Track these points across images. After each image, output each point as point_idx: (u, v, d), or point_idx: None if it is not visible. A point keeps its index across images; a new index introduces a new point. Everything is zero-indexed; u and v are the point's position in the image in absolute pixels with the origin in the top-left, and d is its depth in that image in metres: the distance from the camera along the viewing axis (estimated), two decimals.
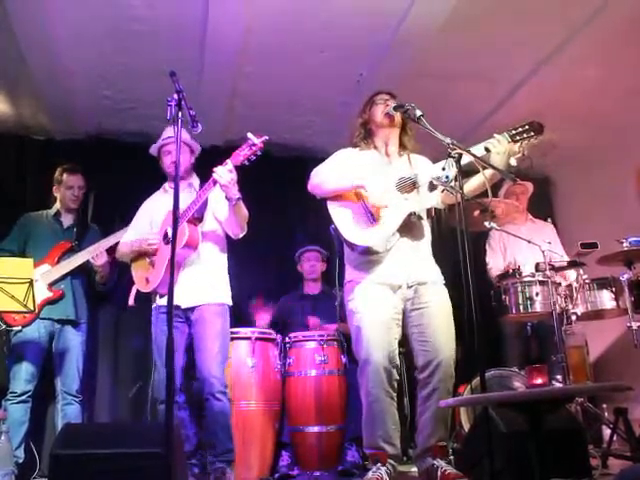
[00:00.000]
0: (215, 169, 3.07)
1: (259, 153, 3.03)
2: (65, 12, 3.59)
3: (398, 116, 3.05)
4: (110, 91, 4.45)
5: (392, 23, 3.80)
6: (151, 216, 3.54)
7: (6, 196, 4.65)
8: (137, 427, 2.86)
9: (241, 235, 3.39)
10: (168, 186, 3.55)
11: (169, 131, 3.42)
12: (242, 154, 3.04)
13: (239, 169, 3.24)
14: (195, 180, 3.54)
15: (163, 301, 3.29)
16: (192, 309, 3.31)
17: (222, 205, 3.30)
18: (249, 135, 3.02)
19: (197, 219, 3.29)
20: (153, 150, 3.54)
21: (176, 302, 3.23)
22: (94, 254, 3.83)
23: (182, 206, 3.24)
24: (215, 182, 3.08)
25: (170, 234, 3.19)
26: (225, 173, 3.04)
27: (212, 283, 3.36)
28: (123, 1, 3.55)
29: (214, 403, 3.17)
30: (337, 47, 4.01)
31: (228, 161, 3.07)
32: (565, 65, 4.22)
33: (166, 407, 2.11)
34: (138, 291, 3.46)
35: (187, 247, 3.21)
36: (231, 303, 3.43)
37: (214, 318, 3.29)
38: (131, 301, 3.48)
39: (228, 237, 3.49)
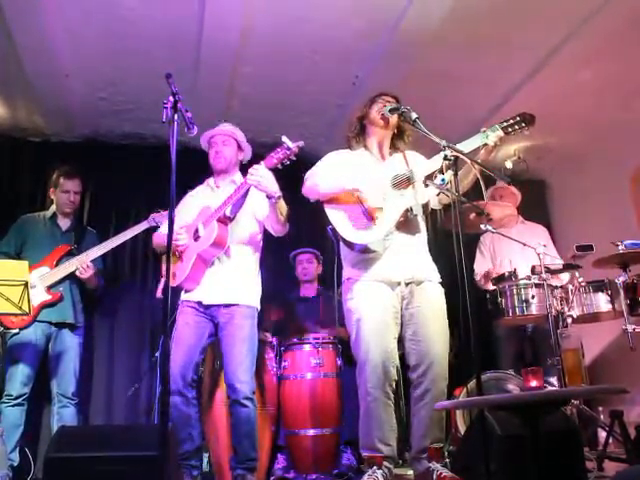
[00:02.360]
0: (250, 170, 3.04)
1: (293, 158, 3.01)
2: (62, 14, 3.59)
3: (394, 120, 3.06)
4: (106, 93, 4.45)
5: (389, 25, 3.81)
6: (190, 209, 3.46)
7: (1, 197, 4.64)
8: (132, 430, 2.85)
9: (283, 232, 3.32)
10: (213, 182, 3.48)
11: (224, 125, 3.45)
12: (276, 157, 3.01)
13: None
14: (238, 176, 3.45)
15: (187, 296, 3.27)
16: (218, 309, 3.23)
17: (262, 204, 3.24)
18: (284, 139, 2.98)
19: (228, 218, 3.23)
20: (203, 141, 3.49)
21: (199, 298, 3.24)
22: (80, 268, 3.82)
23: (218, 202, 3.23)
24: (245, 184, 3.06)
25: (201, 230, 3.22)
26: (260, 173, 3.00)
27: (240, 284, 3.28)
28: (120, 3, 3.55)
29: (239, 409, 3.11)
30: (334, 49, 4.02)
31: (262, 163, 3.04)
32: (562, 68, 4.23)
33: (161, 411, 2.10)
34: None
35: (214, 246, 3.16)
36: (259, 307, 3.36)
37: (242, 321, 3.21)
38: (159, 293, 3.41)
39: (264, 239, 3.44)
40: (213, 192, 3.44)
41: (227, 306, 3.23)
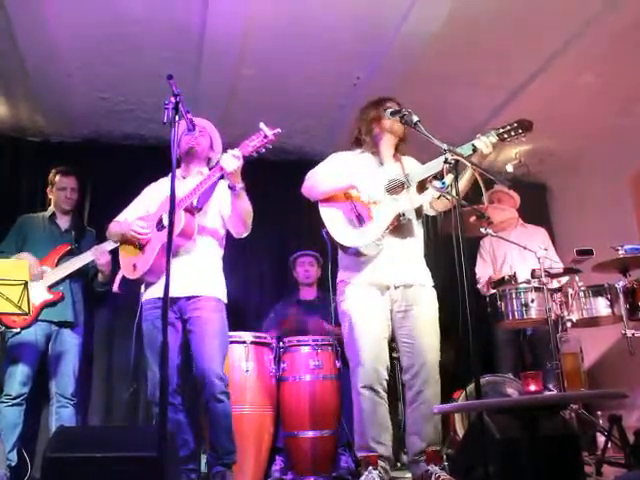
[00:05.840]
0: (221, 154, 2.93)
1: (269, 146, 2.91)
2: (64, 14, 3.59)
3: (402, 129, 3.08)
4: (108, 93, 4.46)
5: (390, 27, 3.82)
6: (151, 200, 3.35)
7: (1, 197, 4.64)
8: (131, 430, 2.85)
9: (245, 234, 3.22)
10: (179, 172, 3.33)
11: (201, 119, 3.33)
12: (252, 145, 2.90)
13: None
14: (206, 170, 3.33)
15: (151, 294, 3.14)
16: (185, 303, 3.11)
17: (227, 202, 3.14)
18: (261, 125, 2.87)
19: (196, 208, 3.12)
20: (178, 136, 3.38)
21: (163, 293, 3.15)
22: (97, 254, 3.82)
23: (184, 192, 3.10)
24: (221, 168, 2.93)
25: (165, 220, 3.04)
26: (232, 160, 2.88)
27: (207, 276, 3.19)
28: (122, 4, 3.56)
29: (215, 405, 3.01)
30: (335, 51, 4.02)
31: (236, 149, 2.93)
32: (562, 72, 4.24)
33: (160, 411, 2.10)
34: (124, 277, 3.26)
35: (182, 236, 3.02)
36: (226, 301, 3.25)
37: (212, 314, 3.11)
38: (115, 287, 3.28)
39: (227, 237, 3.34)
40: (179, 182, 3.25)
41: (194, 298, 3.11)
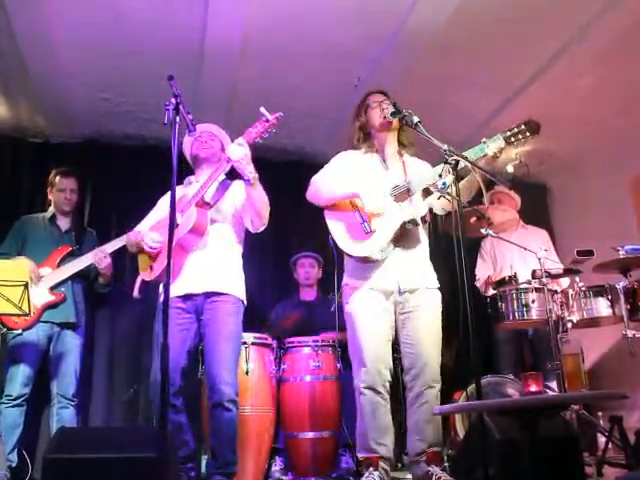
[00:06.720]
0: (227, 145, 2.95)
1: (273, 130, 2.94)
2: (65, 15, 3.60)
3: (396, 120, 3.06)
4: (109, 94, 4.46)
5: (391, 28, 3.82)
6: (167, 205, 3.22)
7: (1, 198, 4.64)
8: (131, 431, 2.84)
9: (261, 228, 3.17)
10: (193, 178, 3.35)
11: (210, 125, 3.38)
12: (255, 131, 2.93)
13: None
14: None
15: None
16: (202, 301, 3.08)
17: (241, 197, 3.13)
18: (262, 110, 2.90)
19: (207, 204, 3.11)
20: (187, 140, 3.40)
21: (181, 291, 3.06)
22: (97, 257, 3.82)
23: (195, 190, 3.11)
24: (228, 159, 2.94)
25: (179, 219, 3.02)
26: (237, 148, 2.92)
27: (224, 271, 3.14)
28: (122, 4, 3.56)
29: (222, 413, 2.96)
30: (335, 51, 4.02)
31: (240, 138, 2.95)
32: (562, 73, 4.24)
33: (160, 411, 2.10)
34: (143, 282, 3.26)
35: (193, 232, 3.02)
36: (245, 300, 3.21)
37: (227, 318, 3.06)
38: (136, 292, 3.26)
39: (246, 234, 3.33)
40: (193, 186, 3.29)
41: (211, 295, 3.08)
